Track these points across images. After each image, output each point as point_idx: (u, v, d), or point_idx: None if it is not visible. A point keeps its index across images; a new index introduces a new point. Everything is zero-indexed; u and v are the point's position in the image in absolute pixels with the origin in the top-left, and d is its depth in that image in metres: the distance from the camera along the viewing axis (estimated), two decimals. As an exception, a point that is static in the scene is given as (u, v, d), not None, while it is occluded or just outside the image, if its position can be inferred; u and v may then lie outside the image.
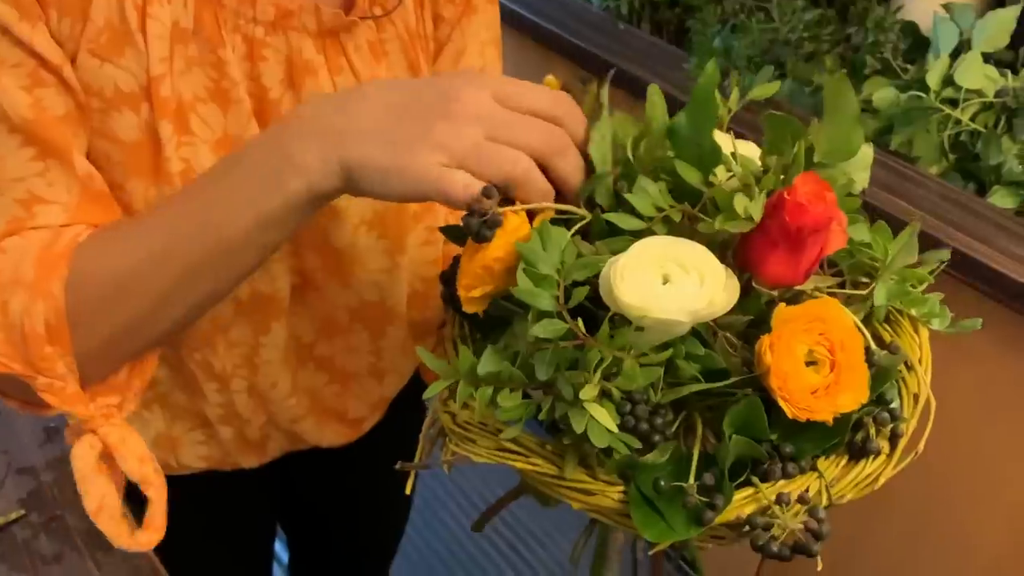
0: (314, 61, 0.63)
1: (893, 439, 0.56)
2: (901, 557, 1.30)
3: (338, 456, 0.84)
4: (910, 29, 1.36)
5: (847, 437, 0.55)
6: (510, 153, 0.51)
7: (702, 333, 0.54)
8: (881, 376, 0.55)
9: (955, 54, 1.27)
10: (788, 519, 0.51)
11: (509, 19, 1.61)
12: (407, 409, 0.84)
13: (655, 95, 0.59)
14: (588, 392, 0.49)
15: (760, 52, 1.37)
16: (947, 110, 1.21)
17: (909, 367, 0.59)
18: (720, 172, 0.56)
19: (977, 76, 1.23)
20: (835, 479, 0.54)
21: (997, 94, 1.21)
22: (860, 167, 0.61)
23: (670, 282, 0.51)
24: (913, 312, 0.61)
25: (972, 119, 1.21)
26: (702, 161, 0.56)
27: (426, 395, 0.56)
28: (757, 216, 0.52)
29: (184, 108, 0.60)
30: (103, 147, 0.60)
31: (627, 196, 0.54)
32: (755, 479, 0.53)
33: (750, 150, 0.60)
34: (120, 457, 0.58)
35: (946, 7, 1.32)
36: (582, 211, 0.56)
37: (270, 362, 0.74)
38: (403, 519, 1.09)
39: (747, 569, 1.56)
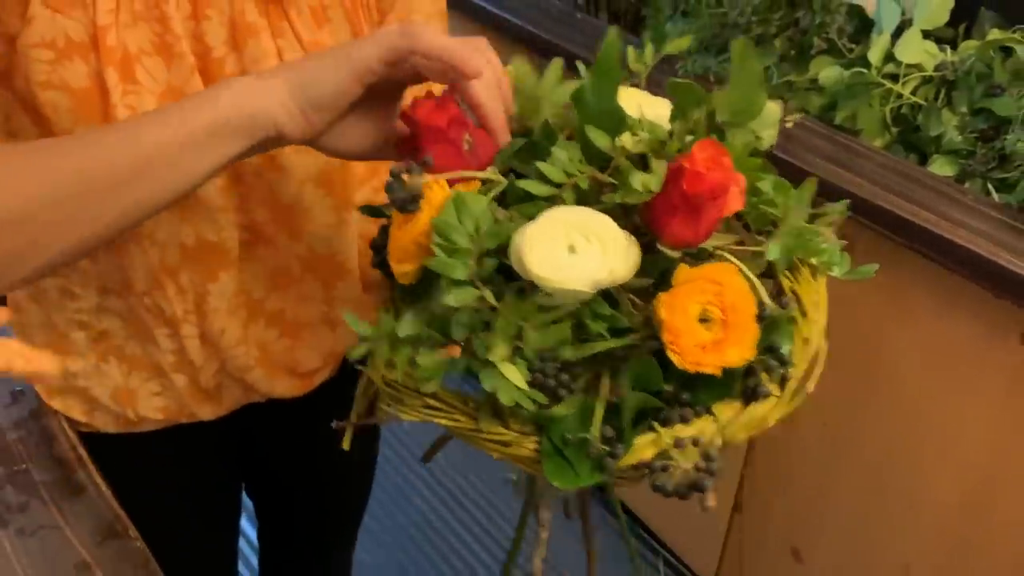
0: (256, 24, 0.66)
1: (783, 383, 0.59)
2: (864, 510, 1.34)
3: (296, 414, 0.87)
4: (856, 12, 1.40)
5: (740, 384, 0.59)
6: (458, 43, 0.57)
7: (611, 293, 0.58)
8: (771, 327, 0.59)
9: (897, 33, 1.31)
10: (683, 460, 0.54)
11: (467, 7, 1.65)
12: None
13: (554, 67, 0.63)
14: (497, 353, 0.53)
15: (711, 35, 1.42)
16: (888, 84, 1.26)
17: (804, 313, 0.62)
18: (627, 138, 0.60)
19: (917, 51, 1.27)
20: (729, 421, 0.57)
21: (936, 68, 1.26)
22: (766, 125, 0.65)
23: (575, 252, 0.55)
24: (813, 261, 0.65)
25: (913, 93, 1.26)
26: (609, 126, 0.59)
27: (347, 355, 0.59)
28: (656, 188, 0.56)
29: (130, 59, 0.63)
30: (52, 97, 0.63)
31: (538, 164, 0.58)
32: (656, 425, 0.57)
33: (664, 108, 0.64)
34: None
35: (888, -13, 1.37)
36: (498, 177, 0.60)
37: (218, 310, 0.76)
38: (366, 487, 1.11)
39: (714, 530, 1.60)
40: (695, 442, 0.55)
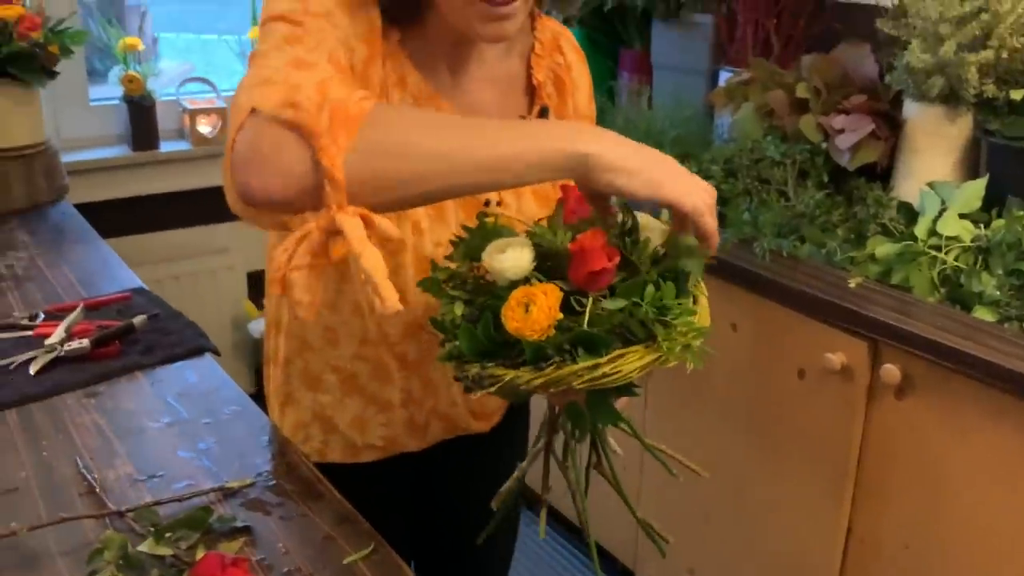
0: None
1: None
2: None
3: (478, 447, 1.11)
4: (904, 207, 1.70)
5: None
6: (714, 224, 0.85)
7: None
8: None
9: (938, 218, 1.60)
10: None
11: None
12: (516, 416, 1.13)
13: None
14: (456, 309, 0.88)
15: (783, 223, 1.72)
16: (934, 253, 1.53)
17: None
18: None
19: (955, 227, 1.56)
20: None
21: (973, 240, 1.54)
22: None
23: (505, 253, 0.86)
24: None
25: (955, 260, 1.53)
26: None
27: (437, 358, 0.88)
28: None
29: None
30: None
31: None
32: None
33: (651, 223, 0.91)
34: (378, 223, 0.76)
35: (930, 184, 1.68)
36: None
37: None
38: (511, 541, 1.32)
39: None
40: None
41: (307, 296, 0.77)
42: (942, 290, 1.52)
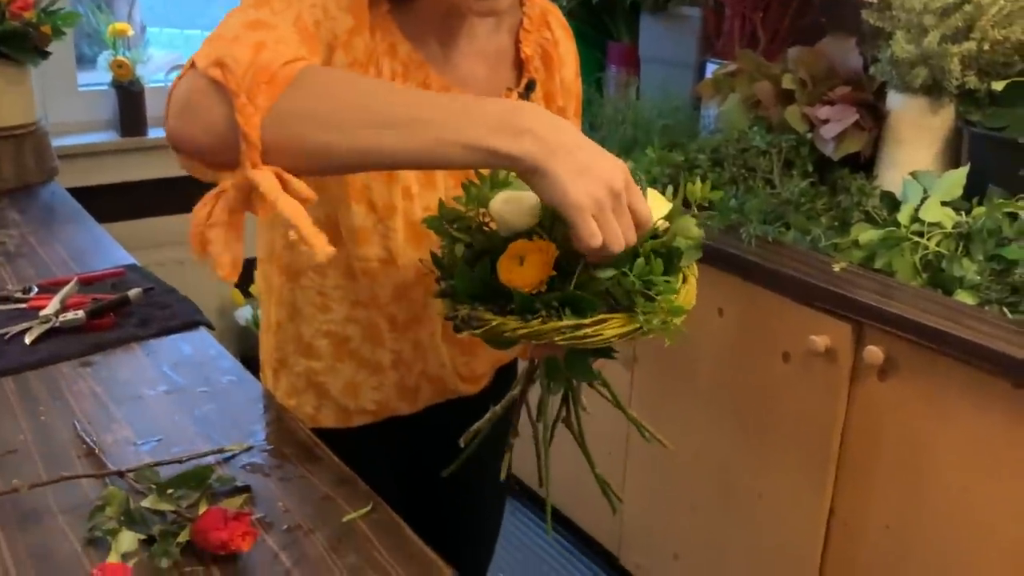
0: None
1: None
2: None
3: (468, 409, 1.13)
4: (887, 196, 1.74)
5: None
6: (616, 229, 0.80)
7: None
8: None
9: (920, 206, 1.64)
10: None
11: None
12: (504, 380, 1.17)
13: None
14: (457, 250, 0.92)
15: (768, 210, 1.75)
16: (916, 239, 1.56)
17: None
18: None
19: (937, 214, 1.59)
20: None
21: (955, 226, 1.57)
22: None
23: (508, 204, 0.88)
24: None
25: (937, 245, 1.56)
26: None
27: (434, 294, 0.92)
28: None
29: None
30: None
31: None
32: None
33: (660, 202, 0.93)
34: (288, 181, 0.76)
35: (912, 174, 1.71)
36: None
37: (432, 318, 1.06)
38: (498, 514, 1.34)
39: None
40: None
41: (227, 255, 0.78)
42: (924, 275, 1.55)
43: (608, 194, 0.76)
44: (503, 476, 1.05)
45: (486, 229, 0.92)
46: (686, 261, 0.89)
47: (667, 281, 0.86)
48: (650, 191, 0.93)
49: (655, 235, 0.89)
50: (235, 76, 0.76)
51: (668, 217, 0.89)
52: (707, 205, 0.97)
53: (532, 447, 1.03)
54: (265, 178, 0.76)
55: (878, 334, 1.48)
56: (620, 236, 0.78)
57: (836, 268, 1.58)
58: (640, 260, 0.85)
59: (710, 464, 1.83)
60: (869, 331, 1.50)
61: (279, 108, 0.76)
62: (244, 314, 2.69)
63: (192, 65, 0.80)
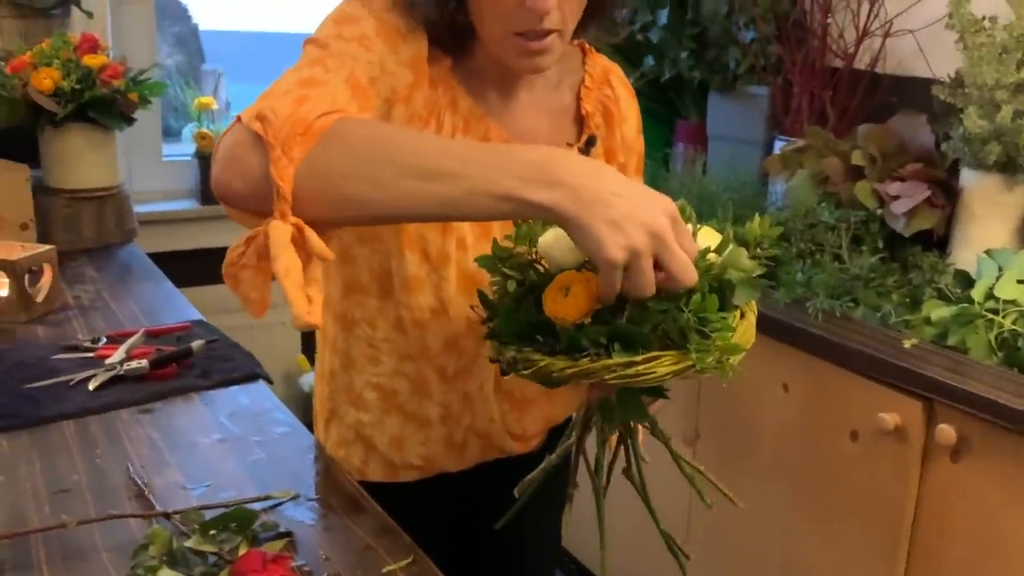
0: None
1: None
2: None
3: (516, 471, 1.11)
4: (960, 274, 1.69)
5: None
6: (650, 277, 0.79)
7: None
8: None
9: (995, 284, 1.58)
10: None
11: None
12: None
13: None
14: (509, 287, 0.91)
15: (836, 284, 1.72)
16: (991, 316, 1.51)
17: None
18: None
19: (1013, 290, 1.54)
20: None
21: (1031, 304, 1.51)
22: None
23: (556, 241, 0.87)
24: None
25: (1013, 323, 1.50)
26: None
27: (483, 337, 0.90)
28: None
29: None
30: None
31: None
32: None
33: (713, 238, 0.91)
34: (308, 237, 0.77)
35: (987, 251, 1.67)
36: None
37: (483, 368, 1.05)
38: (551, 567, 1.30)
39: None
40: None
41: (255, 294, 0.81)
42: (1000, 353, 1.49)
43: (649, 239, 0.75)
44: (564, 530, 1.02)
45: (537, 267, 0.92)
46: (740, 298, 0.87)
47: (723, 318, 0.84)
48: (703, 228, 0.92)
49: (708, 269, 0.87)
50: (273, 128, 0.79)
51: (718, 249, 0.88)
52: (769, 261, 0.94)
53: (581, 513, 1.01)
54: (277, 232, 0.77)
55: (951, 413, 1.42)
56: (652, 284, 0.77)
57: (907, 344, 1.53)
58: (696, 296, 0.83)
59: (773, 544, 1.76)
60: (941, 409, 1.44)
61: (311, 159, 0.78)
62: (309, 380, 2.72)
63: (239, 119, 0.84)
